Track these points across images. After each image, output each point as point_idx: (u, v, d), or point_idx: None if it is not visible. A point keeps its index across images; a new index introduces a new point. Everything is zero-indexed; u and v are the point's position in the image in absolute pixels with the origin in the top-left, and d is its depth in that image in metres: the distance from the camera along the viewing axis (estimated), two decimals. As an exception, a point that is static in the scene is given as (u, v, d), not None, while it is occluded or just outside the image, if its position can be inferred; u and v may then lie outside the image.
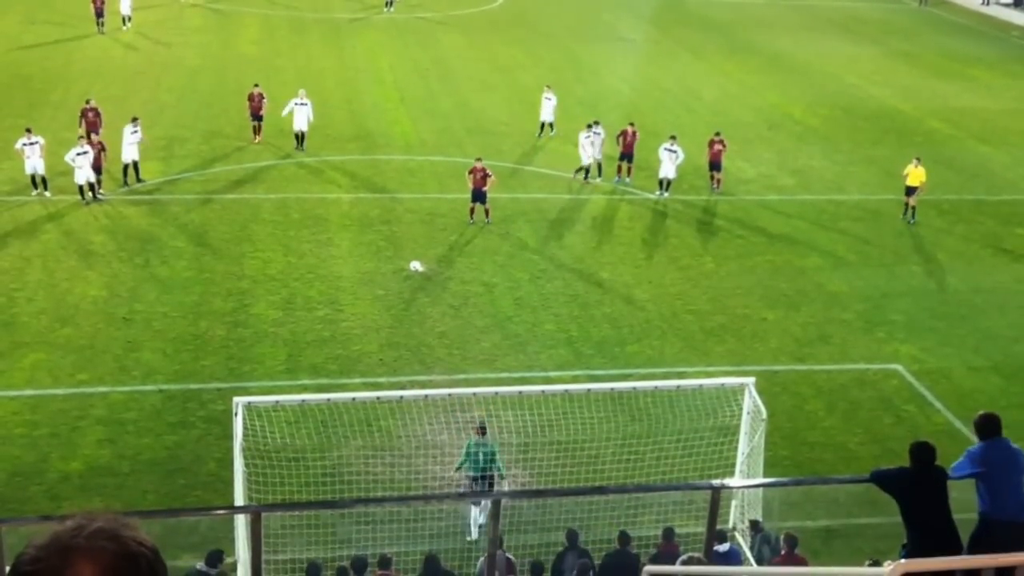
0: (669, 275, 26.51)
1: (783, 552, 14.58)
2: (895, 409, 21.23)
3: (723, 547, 14.13)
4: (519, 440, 17.27)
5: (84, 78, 39.75)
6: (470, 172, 28.36)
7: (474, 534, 16.37)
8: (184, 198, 29.51)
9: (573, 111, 38.05)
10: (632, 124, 32.49)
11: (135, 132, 29.76)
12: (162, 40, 46.14)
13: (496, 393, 17.22)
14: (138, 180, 29.91)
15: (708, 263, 27.33)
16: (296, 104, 33.35)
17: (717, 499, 8.69)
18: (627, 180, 32.23)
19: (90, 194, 28.50)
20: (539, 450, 17.36)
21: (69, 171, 28.81)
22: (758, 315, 24.68)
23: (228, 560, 14.67)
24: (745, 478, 16.47)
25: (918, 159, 30.80)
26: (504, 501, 16.01)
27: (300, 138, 33.45)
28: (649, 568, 10.70)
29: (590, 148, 31.74)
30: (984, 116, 42.10)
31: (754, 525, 15.84)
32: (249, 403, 15.64)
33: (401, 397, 17.59)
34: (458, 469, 16.84)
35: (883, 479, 8.96)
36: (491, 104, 39.87)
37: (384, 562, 14.11)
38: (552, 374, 21.39)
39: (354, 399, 17.00)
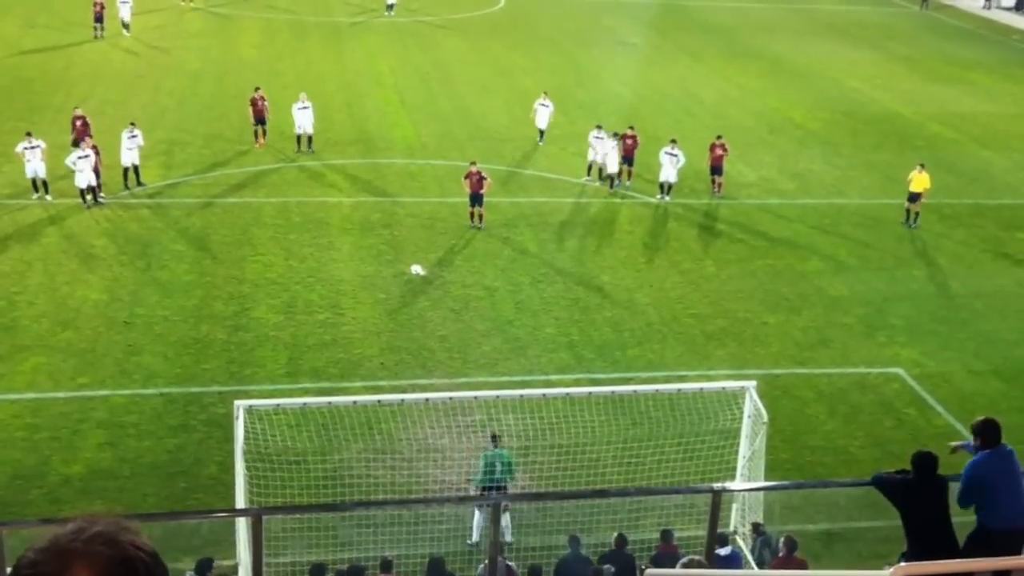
0: (670, 279, 26.52)
1: (782, 555, 14.58)
2: (896, 413, 21.22)
3: (724, 550, 14.12)
4: (520, 444, 17.26)
5: (85, 82, 39.79)
6: (466, 176, 28.39)
7: (475, 537, 16.36)
8: (185, 202, 29.53)
9: (573, 115, 38.10)
10: (632, 128, 32.53)
11: (133, 136, 29.76)
12: (163, 44, 46.18)
13: (497, 397, 17.20)
14: (139, 184, 29.94)
15: (709, 267, 27.34)
16: (298, 108, 33.41)
17: (718, 502, 8.68)
18: (627, 184, 32.26)
19: (91, 197, 28.52)
20: (540, 453, 17.36)
21: (70, 175, 28.83)
22: (759, 319, 24.68)
23: (228, 563, 14.67)
24: (746, 481, 16.46)
25: (922, 165, 30.80)
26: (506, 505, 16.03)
27: (304, 141, 33.47)
28: (650, 572, 10.68)
29: (600, 148, 31.84)
30: (985, 120, 42.13)
31: (755, 528, 15.84)
32: (250, 406, 15.62)
33: (402, 400, 17.59)
34: (478, 485, 16.58)
35: (884, 485, 8.94)
36: (492, 108, 39.91)
37: (385, 565, 14.11)
38: (553, 378, 21.38)
39: (355, 402, 17.00)
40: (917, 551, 8.57)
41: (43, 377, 20.65)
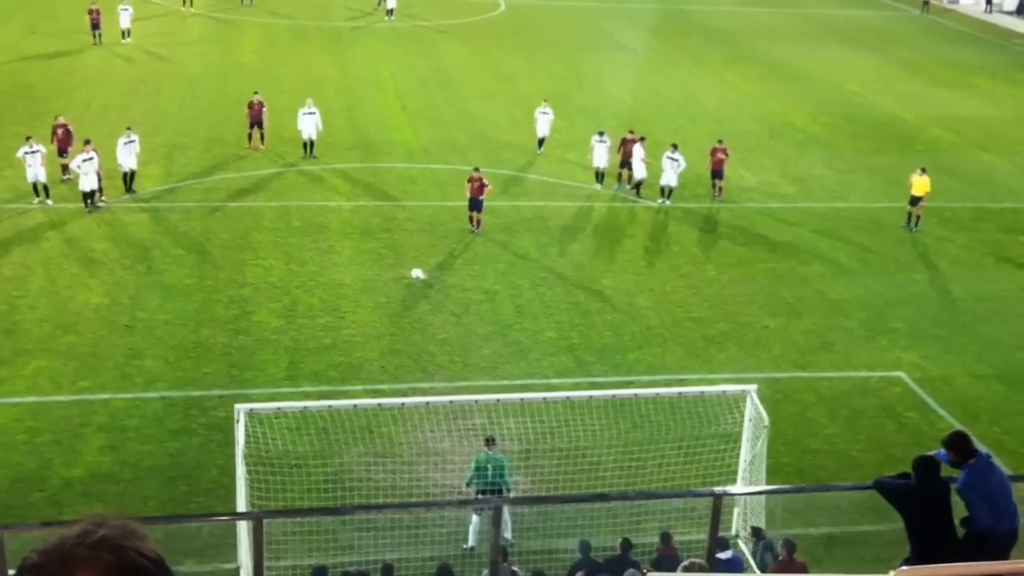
0: (671, 282, 26.51)
1: (781, 558, 14.56)
2: (898, 416, 21.20)
3: (726, 554, 14.11)
4: (521, 447, 17.24)
5: (85, 87, 39.84)
6: (468, 181, 28.41)
7: (471, 541, 16.33)
8: (185, 206, 29.54)
9: (574, 119, 38.11)
10: (632, 132, 32.55)
11: (130, 142, 29.72)
12: (163, 49, 46.21)
13: (498, 400, 17.19)
14: (131, 191, 29.74)
15: (710, 270, 27.33)
16: (304, 113, 33.41)
17: (719, 506, 8.66)
18: (627, 187, 32.29)
19: (91, 202, 28.51)
20: (541, 457, 17.35)
21: (70, 180, 28.84)
22: (760, 323, 24.67)
23: (229, 566, 14.66)
24: (747, 485, 16.44)
25: (923, 169, 30.81)
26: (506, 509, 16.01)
27: (309, 146, 33.49)
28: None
29: (604, 155, 31.84)
30: (986, 124, 42.12)
31: (756, 532, 15.81)
32: (251, 410, 15.63)
33: (403, 404, 17.60)
34: (468, 484, 16.65)
35: (887, 490, 8.92)
36: (492, 112, 39.92)
37: (386, 569, 14.10)
38: (554, 381, 21.37)
39: (356, 406, 17.00)
40: (919, 555, 8.56)
41: (44, 381, 20.65)
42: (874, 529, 16.17)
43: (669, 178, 31.14)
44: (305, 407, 17.18)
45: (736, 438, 16.93)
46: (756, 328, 24.38)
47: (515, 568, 14.55)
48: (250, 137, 33.91)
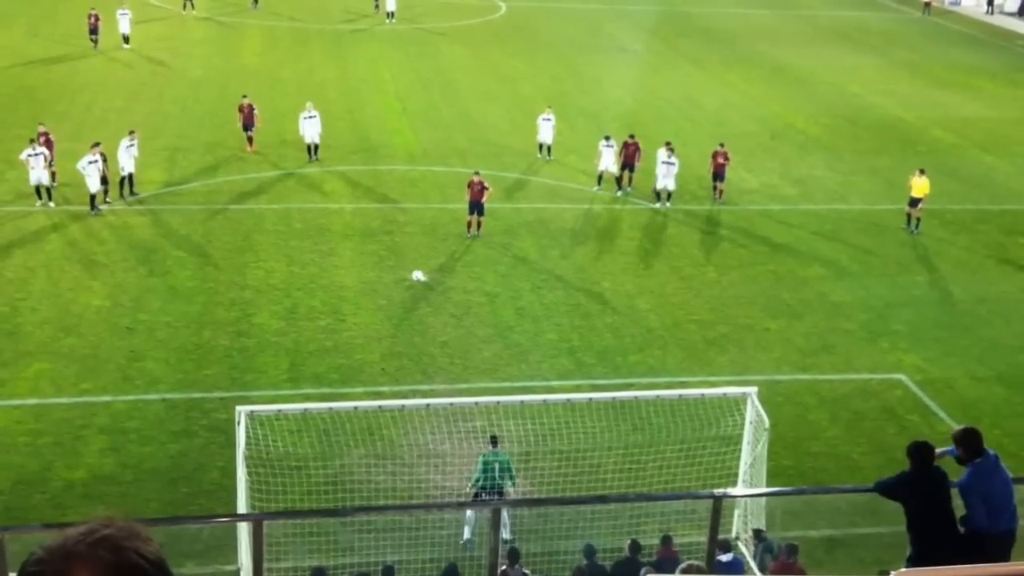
0: (671, 285, 26.52)
1: (780, 559, 14.56)
2: (899, 419, 21.19)
3: (726, 556, 14.11)
4: (521, 449, 17.24)
5: (87, 90, 39.91)
6: (468, 185, 28.40)
7: (466, 535, 16.34)
8: (187, 208, 29.59)
9: (575, 121, 38.13)
10: (632, 136, 32.57)
11: (131, 145, 29.77)
12: (165, 52, 46.27)
13: (498, 403, 17.20)
14: (132, 194, 29.82)
15: (710, 273, 27.34)
16: (305, 118, 33.40)
17: (719, 508, 8.68)
18: (628, 190, 32.31)
19: (94, 203, 28.56)
20: (541, 459, 17.36)
21: (73, 181, 28.90)
22: (760, 325, 24.68)
23: (230, 568, 14.68)
24: (748, 487, 16.45)
25: (921, 170, 30.83)
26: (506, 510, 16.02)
27: (313, 150, 33.48)
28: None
29: (608, 157, 31.84)
30: (988, 126, 42.12)
31: (757, 534, 15.82)
32: (252, 412, 15.65)
33: (403, 406, 17.60)
34: (474, 485, 16.65)
35: (886, 488, 8.97)
36: (493, 115, 39.96)
37: (387, 571, 14.11)
38: (554, 383, 21.38)
39: (356, 408, 17.00)
40: (920, 549, 8.58)
41: (46, 383, 20.68)
42: (875, 532, 16.19)
43: (666, 182, 31.16)
44: (306, 409, 17.19)
45: (737, 440, 16.93)
46: (757, 330, 24.39)
47: (526, 571, 14.57)
48: (249, 140, 33.89)
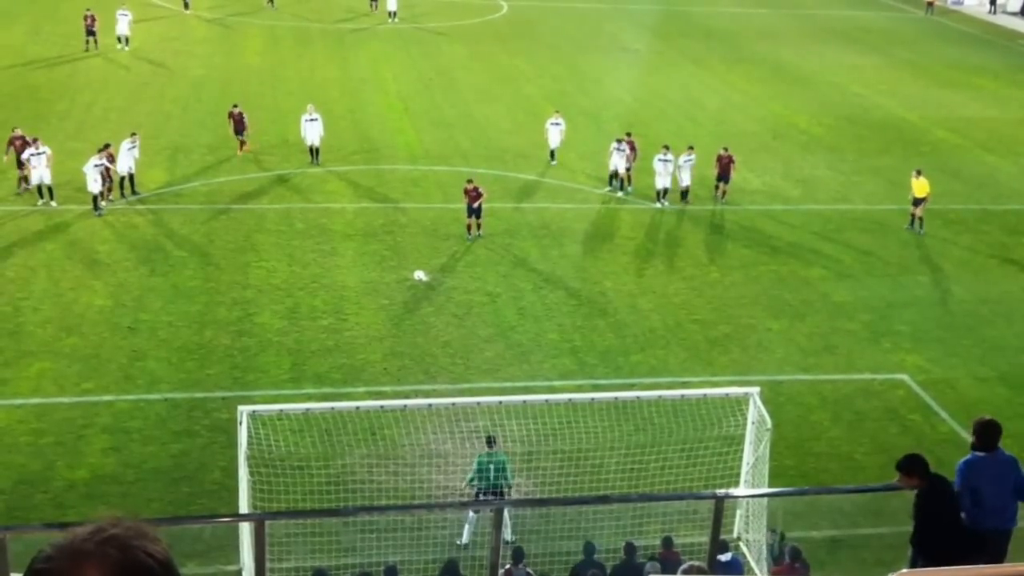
0: (673, 285, 26.51)
1: (784, 563, 14.54)
2: (901, 419, 21.18)
3: (725, 556, 14.09)
4: (523, 449, 17.23)
5: (89, 89, 39.93)
6: (464, 192, 28.38)
7: (465, 538, 16.35)
8: (189, 208, 29.60)
9: (576, 121, 38.09)
10: (629, 135, 32.56)
11: (132, 147, 29.78)
12: (166, 52, 46.27)
13: (500, 403, 17.18)
14: (133, 193, 29.85)
15: (713, 273, 27.32)
16: (307, 120, 33.33)
17: (720, 509, 8.66)
18: (629, 190, 32.31)
19: (97, 203, 28.58)
20: (543, 459, 17.34)
21: (74, 181, 28.90)
22: (763, 325, 24.66)
23: (231, 568, 14.67)
24: (750, 488, 16.43)
25: (918, 171, 30.82)
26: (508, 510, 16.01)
27: (314, 153, 33.39)
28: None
29: (622, 161, 31.78)
30: (990, 126, 42.07)
31: (774, 531, 15.76)
32: (254, 412, 15.64)
33: (405, 406, 17.60)
34: (470, 483, 16.68)
35: (926, 519, 8.62)
36: (495, 114, 39.95)
37: (390, 571, 14.10)
38: (556, 383, 21.37)
39: (358, 408, 17.00)
40: (922, 546, 8.52)
41: (48, 382, 20.69)
42: (877, 532, 16.17)
43: (664, 181, 31.17)
44: (308, 409, 17.18)
45: (739, 441, 16.91)
46: (759, 330, 24.37)
47: (529, 570, 14.56)
48: (241, 144, 33.70)
